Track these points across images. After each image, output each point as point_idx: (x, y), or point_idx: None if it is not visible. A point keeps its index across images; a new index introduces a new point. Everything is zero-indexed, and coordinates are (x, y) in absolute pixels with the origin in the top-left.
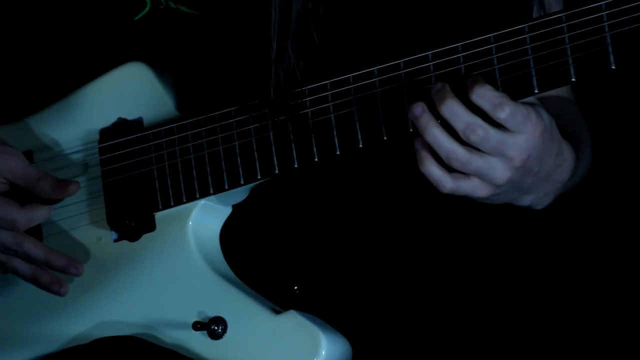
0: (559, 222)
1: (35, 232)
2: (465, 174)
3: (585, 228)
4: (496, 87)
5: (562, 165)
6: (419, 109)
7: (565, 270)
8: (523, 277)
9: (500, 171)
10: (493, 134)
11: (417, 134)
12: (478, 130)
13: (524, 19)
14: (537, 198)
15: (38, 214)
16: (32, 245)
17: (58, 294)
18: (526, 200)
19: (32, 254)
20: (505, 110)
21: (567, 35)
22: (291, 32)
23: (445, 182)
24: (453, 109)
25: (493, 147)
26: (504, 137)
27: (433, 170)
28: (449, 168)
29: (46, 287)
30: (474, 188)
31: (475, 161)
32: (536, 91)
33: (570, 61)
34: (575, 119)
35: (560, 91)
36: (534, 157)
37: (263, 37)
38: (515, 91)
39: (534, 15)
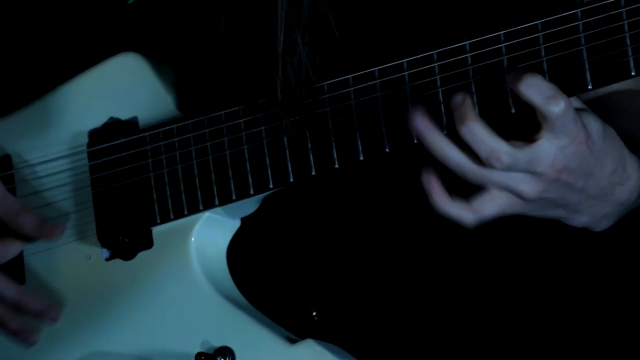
0: (558, 222)
1: (16, 259)
2: (486, 194)
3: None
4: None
5: (623, 183)
6: (459, 97)
7: (565, 271)
8: (524, 281)
9: (527, 184)
10: (521, 157)
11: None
12: (504, 158)
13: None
14: (593, 220)
15: (11, 250)
16: (3, 283)
17: (25, 343)
18: (579, 222)
19: (2, 293)
20: (559, 104)
21: (626, 22)
22: (302, 23)
23: (467, 217)
24: (474, 132)
25: (523, 169)
26: (533, 154)
27: (450, 209)
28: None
29: (12, 335)
30: (502, 207)
31: (494, 176)
32: (513, 111)
33: (630, 52)
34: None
35: (632, 82)
36: (573, 169)
37: (269, 28)
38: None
39: None
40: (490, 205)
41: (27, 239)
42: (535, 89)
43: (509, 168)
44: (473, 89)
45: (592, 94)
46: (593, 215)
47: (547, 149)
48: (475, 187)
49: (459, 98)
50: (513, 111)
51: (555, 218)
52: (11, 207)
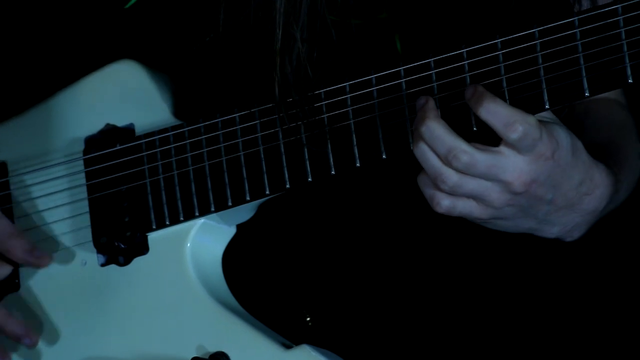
0: None
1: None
2: None
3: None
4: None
5: (591, 193)
6: (422, 99)
7: (565, 273)
8: (524, 286)
9: (496, 193)
10: (480, 159)
11: None
12: (462, 156)
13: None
14: (564, 230)
15: (0, 273)
16: None
17: None
18: (550, 233)
19: None
20: (517, 131)
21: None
22: (301, 20)
23: (440, 198)
24: (432, 131)
25: (483, 173)
26: (495, 161)
27: (427, 183)
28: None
29: None
30: (471, 209)
31: (467, 184)
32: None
33: (627, 59)
34: (621, 127)
35: (612, 93)
36: (542, 182)
37: (267, 24)
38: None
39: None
40: (464, 202)
41: (16, 263)
42: (494, 116)
43: (468, 168)
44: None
45: None
46: (563, 225)
47: (513, 161)
48: None
49: (421, 101)
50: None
51: (525, 230)
52: (4, 229)
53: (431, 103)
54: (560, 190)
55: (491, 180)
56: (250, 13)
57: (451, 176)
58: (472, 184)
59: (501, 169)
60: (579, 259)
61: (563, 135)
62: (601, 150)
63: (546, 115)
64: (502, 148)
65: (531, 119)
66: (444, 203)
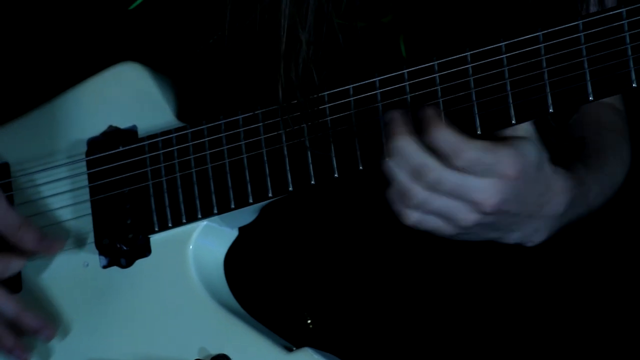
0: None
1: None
2: None
3: (588, 231)
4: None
5: (549, 201)
6: (388, 114)
7: (565, 274)
8: (523, 287)
9: (464, 214)
10: (448, 177)
11: None
12: (430, 173)
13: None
14: (525, 235)
15: (12, 266)
16: (3, 299)
17: None
18: (511, 239)
19: (1, 308)
20: (462, 158)
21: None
22: (307, 22)
23: (409, 213)
24: (401, 149)
25: (451, 191)
26: (464, 181)
27: (396, 198)
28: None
29: (8, 351)
30: (439, 226)
31: (435, 201)
32: (514, 122)
33: (632, 63)
34: (609, 130)
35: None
36: (509, 200)
37: (273, 27)
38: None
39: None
40: (432, 217)
41: (28, 254)
42: (442, 142)
43: (436, 185)
44: (474, 99)
45: None
46: (524, 231)
47: (481, 183)
48: None
49: (387, 115)
50: (514, 122)
51: (488, 239)
52: (13, 221)
53: (399, 118)
54: (524, 203)
55: (459, 199)
56: (255, 16)
57: (419, 193)
58: (439, 202)
59: (469, 188)
60: (579, 259)
61: (530, 150)
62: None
63: (525, 127)
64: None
65: (477, 145)
66: (413, 217)
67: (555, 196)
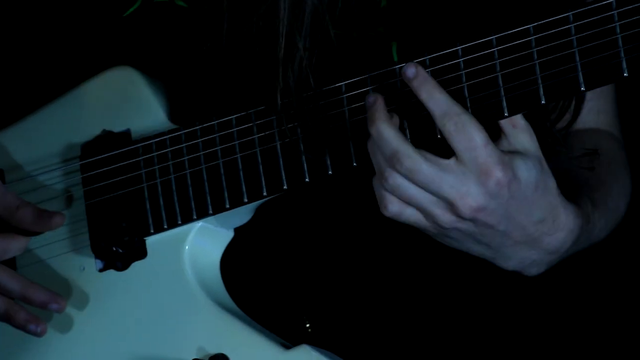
0: None
1: (8, 262)
2: None
3: None
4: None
5: (552, 234)
6: (371, 97)
7: (565, 274)
8: (524, 290)
9: (440, 212)
10: (424, 167)
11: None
12: (405, 160)
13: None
14: (520, 265)
15: (13, 246)
16: (7, 276)
17: (35, 334)
18: (507, 265)
19: (7, 286)
20: (453, 120)
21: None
22: (304, 29)
23: (389, 202)
24: (381, 132)
25: (425, 182)
26: (440, 173)
27: (376, 186)
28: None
29: (22, 326)
30: (418, 219)
31: (408, 189)
32: (506, 114)
33: (622, 53)
34: (609, 162)
35: (607, 124)
36: (493, 210)
37: (271, 33)
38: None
39: None
40: (412, 211)
41: (29, 233)
42: (435, 103)
43: (410, 174)
44: (466, 94)
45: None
46: (520, 260)
47: (459, 179)
48: None
49: (371, 99)
50: (506, 114)
51: (481, 256)
52: (10, 202)
53: (380, 102)
54: (516, 224)
55: (433, 194)
56: (252, 22)
57: (394, 176)
58: (412, 190)
59: (443, 183)
60: (579, 259)
61: (524, 168)
62: (585, 181)
63: (527, 145)
64: (451, 162)
65: (475, 123)
66: (392, 207)
67: (560, 231)
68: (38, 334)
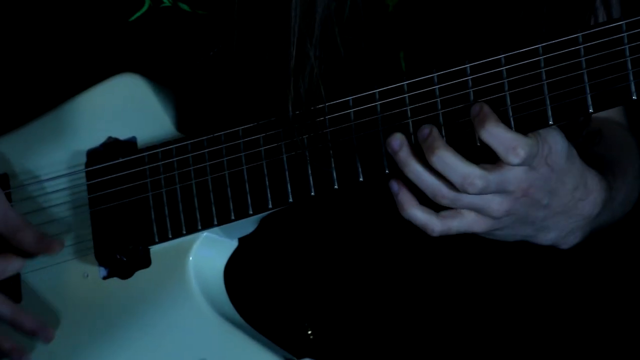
0: None
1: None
2: (456, 211)
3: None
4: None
5: (585, 198)
6: (397, 142)
7: (564, 274)
8: (526, 293)
9: (496, 203)
10: (493, 179)
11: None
12: (477, 181)
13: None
14: (559, 236)
15: (11, 267)
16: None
17: None
18: (546, 239)
19: None
20: (519, 155)
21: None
22: (314, 37)
23: (433, 225)
24: (444, 160)
25: (494, 191)
26: (503, 177)
27: (416, 214)
28: (435, 205)
29: (6, 354)
30: (469, 224)
31: (467, 197)
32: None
33: (631, 76)
34: (619, 144)
35: (612, 114)
36: (538, 187)
37: (282, 43)
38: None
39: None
40: (459, 220)
41: (28, 255)
42: (496, 139)
43: (482, 191)
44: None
45: None
46: (560, 230)
47: (515, 171)
48: None
49: (425, 131)
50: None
51: (522, 238)
52: (12, 222)
53: (436, 132)
54: (556, 195)
55: (496, 194)
56: (262, 31)
57: (450, 191)
58: (472, 197)
59: (507, 183)
60: (578, 259)
61: (557, 140)
62: (598, 161)
63: None
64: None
65: (531, 140)
66: (438, 229)
67: (591, 194)
68: None
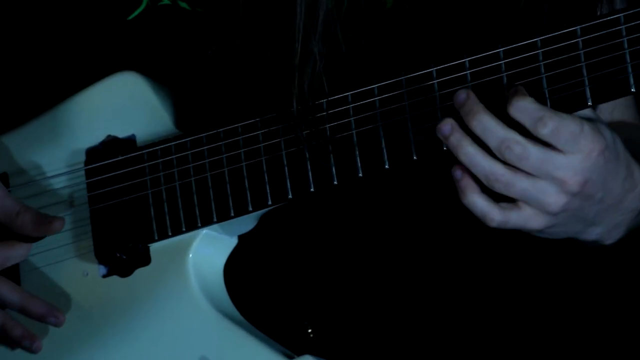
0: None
1: (12, 267)
2: (514, 204)
3: None
4: (543, 99)
5: (632, 190)
6: (448, 127)
7: (564, 274)
8: (528, 296)
9: (552, 196)
10: (533, 151)
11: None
12: (515, 146)
13: (593, 15)
14: (606, 231)
15: (15, 253)
16: (7, 288)
17: (29, 350)
18: (593, 234)
19: (6, 298)
20: (547, 125)
21: (625, 38)
22: (318, 34)
23: (493, 214)
24: (484, 123)
25: (536, 167)
26: (548, 156)
27: (477, 201)
28: (493, 195)
29: (17, 342)
30: (526, 218)
31: (520, 182)
32: (589, 103)
33: (630, 69)
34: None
35: (632, 118)
36: (594, 180)
37: (286, 39)
38: (566, 103)
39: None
40: (518, 213)
41: (30, 240)
42: (524, 112)
43: (521, 159)
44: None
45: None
46: (607, 225)
47: (565, 159)
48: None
49: (462, 95)
50: None
51: (571, 235)
52: (10, 208)
53: (473, 96)
54: (609, 188)
55: (545, 179)
56: (265, 29)
57: (504, 173)
58: (525, 182)
59: (554, 165)
60: (579, 259)
61: (608, 132)
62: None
63: (588, 113)
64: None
65: (564, 115)
66: (497, 218)
67: (637, 186)
68: (32, 351)
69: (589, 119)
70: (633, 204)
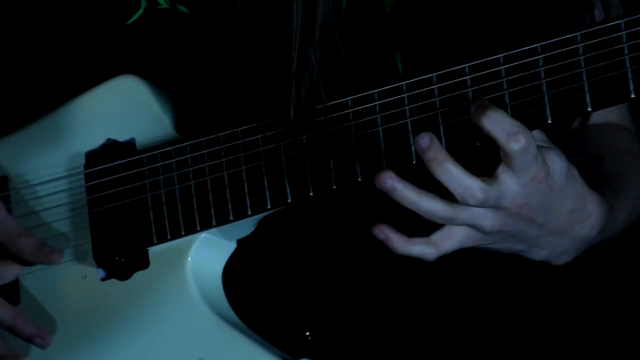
0: None
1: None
2: (446, 232)
3: None
4: (543, 104)
5: (583, 221)
6: (426, 140)
7: (565, 274)
8: (528, 300)
9: (489, 219)
10: (492, 193)
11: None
12: (478, 194)
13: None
14: (552, 255)
15: (8, 273)
16: None
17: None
18: (538, 255)
19: None
20: (520, 142)
21: (626, 44)
22: (315, 40)
23: (428, 254)
24: (451, 173)
25: (492, 205)
26: (501, 191)
27: (410, 250)
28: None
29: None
30: (462, 240)
31: (462, 214)
32: (589, 109)
33: (630, 75)
34: (624, 153)
35: (618, 118)
36: (534, 205)
37: (283, 46)
38: (566, 109)
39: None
40: (451, 239)
41: (26, 262)
42: (497, 125)
43: (482, 204)
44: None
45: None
46: (552, 250)
47: (511, 185)
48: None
49: (426, 140)
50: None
51: (514, 252)
52: (11, 229)
53: (437, 141)
54: (552, 215)
55: (491, 208)
56: (263, 35)
57: (446, 211)
58: (466, 214)
59: (503, 198)
60: (578, 259)
61: (556, 160)
62: (602, 173)
63: (540, 138)
64: (499, 173)
65: (533, 134)
66: (433, 256)
67: (590, 217)
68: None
69: (543, 146)
70: (582, 234)
